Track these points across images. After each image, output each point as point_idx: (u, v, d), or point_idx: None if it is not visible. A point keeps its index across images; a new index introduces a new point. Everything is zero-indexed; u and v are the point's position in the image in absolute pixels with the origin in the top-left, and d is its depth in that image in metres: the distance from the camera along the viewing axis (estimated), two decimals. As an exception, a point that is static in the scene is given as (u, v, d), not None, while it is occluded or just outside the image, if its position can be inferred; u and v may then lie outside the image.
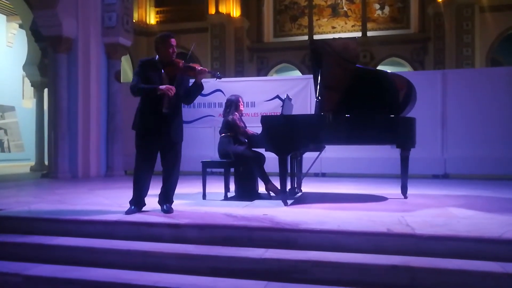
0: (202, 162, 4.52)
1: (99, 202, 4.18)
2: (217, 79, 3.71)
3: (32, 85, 11.66)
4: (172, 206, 3.58)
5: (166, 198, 3.58)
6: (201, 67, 3.50)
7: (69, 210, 3.62)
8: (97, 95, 8.09)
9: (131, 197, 3.58)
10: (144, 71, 3.47)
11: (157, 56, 3.54)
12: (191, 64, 3.51)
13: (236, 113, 4.62)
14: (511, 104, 7.05)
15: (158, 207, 3.60)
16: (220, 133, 4.64)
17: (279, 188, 4.06)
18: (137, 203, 3.54)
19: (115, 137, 8.26)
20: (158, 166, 3.60)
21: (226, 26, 15.24)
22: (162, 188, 3.60)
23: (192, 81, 3.61)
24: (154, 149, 3.54)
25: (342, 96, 4.38)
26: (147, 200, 3.63)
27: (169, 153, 3.55)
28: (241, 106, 4.71)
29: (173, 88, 3.38)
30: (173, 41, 3.50)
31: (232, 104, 4.65)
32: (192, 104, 5.03)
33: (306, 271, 2.48)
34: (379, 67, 14.51)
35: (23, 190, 5.55)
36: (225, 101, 4.79)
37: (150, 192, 3.63)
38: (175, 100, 3.48)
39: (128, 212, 3.41)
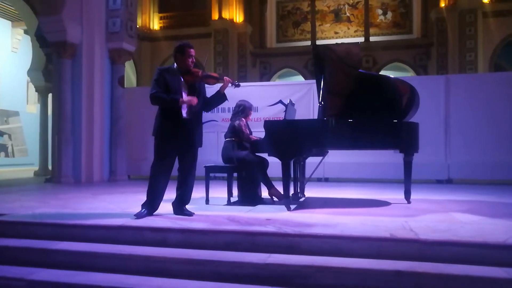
0: (205, 167, 4.52)
1: (102, 207, 4.18)
2: (235, 87, 3.71)
3: (36, 90, 11.71)
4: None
5: (183, 201, 3.60)
6: (224, 77, 3.57)
7: (72, 215, 3.63)
8: (100, 100, 8.12)
9: (136, 201, 3.58)
10: (164, 78, 3.47)
11: (175, 65, 3.58)
12: (210, 73, 3.57)
13: (243, 119, 4.62)
14: (514, 109, 7.05)
15: (163, 211, 3.61)
16: (225, 137, 4.64)
17: (282, 193, 4.06)
18: (151, 207, 3.54)
19: (119, 142, 8.28)
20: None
21: (229, 32, 15.30)
22: (178, 191, 3.62)
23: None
24: (173, 154, 3.56)
25: (345, 101, 4.39)
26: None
27: (187, 157, 3.58)
28: (250, 114, 4.72)
29: (196, 98, 3.43)
30: (192, 51, 3.55)
31: (244, 110, 4.64)
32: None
33: (309, 276, 2.48)
34: (382, 72, 14.50)
35: (26, 195, 5.56)
36: (237, 102, 4.74)
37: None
38: (196, 108, 3.52)
39: (139, 216, 3.40)
